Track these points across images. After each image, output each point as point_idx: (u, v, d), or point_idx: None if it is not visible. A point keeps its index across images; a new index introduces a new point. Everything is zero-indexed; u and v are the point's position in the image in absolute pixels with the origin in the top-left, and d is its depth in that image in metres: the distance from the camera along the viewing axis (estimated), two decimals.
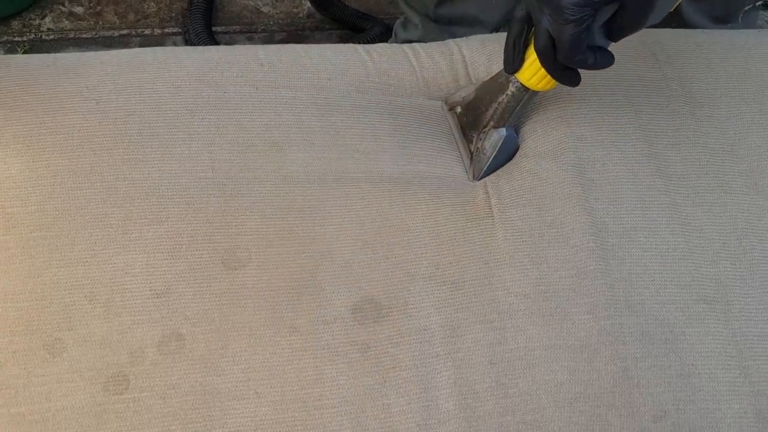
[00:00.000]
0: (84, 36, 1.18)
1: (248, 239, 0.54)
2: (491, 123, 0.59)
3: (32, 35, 1.17)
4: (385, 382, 0.50)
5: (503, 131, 0.58)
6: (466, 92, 0.62)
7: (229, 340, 0.51)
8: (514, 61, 0.54)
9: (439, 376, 0.50)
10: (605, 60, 0.51)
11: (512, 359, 0.51)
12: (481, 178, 0.59)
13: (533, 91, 0.56)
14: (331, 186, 0.57)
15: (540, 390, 0.50)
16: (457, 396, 0.50)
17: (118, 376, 0.49)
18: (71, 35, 1.18)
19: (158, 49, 0.62)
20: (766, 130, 0.62)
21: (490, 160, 0.59)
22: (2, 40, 1.16)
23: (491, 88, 0.59)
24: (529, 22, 0.52)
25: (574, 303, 0.53)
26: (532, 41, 0.52)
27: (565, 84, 0.53)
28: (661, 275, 0.55)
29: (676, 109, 0.62)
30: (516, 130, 0.60)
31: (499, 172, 0.59)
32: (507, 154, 0.59)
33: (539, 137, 0.60)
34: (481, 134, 0.59)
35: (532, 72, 0.54)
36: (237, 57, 0.62)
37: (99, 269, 0.51)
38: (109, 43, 1.17)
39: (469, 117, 0.61)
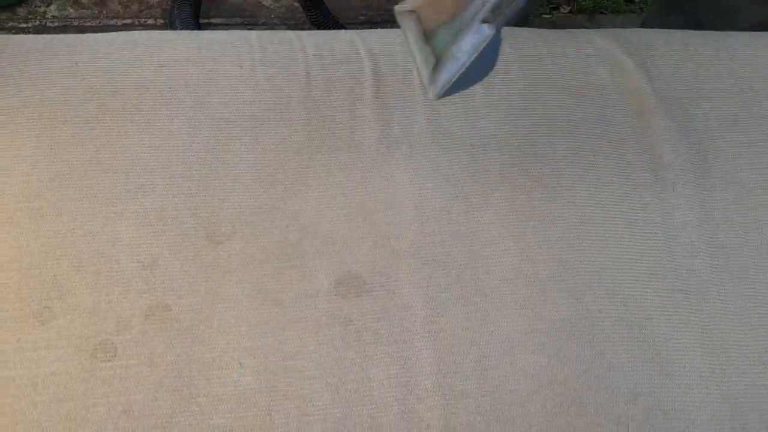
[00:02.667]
0: (88, 24, 1.19)
1: (231, 213, 0.55)
2: (478, 15, 0.43)
3: (37, 22, 1.19)
4: (366, 356, 0.51)
5: (485, 29, 0.43)
6: None
7: (214, 312, 0.52)
8: None
9: (419, 354, 0.52)
10: None
11: (493, 341, 0.52)
12: (445, 95, 0.45)
13: None
14: (311, 157, 0.58)
15: (518, 372, 0.51)
16: (436, 374, 0.51)
17: (105, 343, 0.50)
18: (75, 23, 1.19)
19: (153, 32, 0.64)
20: (746, 129, 0.63)
21: (464, 67, 0.43)
22: (8, 26, 1.18)
23: None
24: None
25: (555, 289, 0.54)
26: None
27: None
28: (639, 265, 0.56)
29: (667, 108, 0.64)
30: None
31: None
32: (485, 66, 0.45)
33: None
34: (455, 30, 0.43)
35: None
36: (229, 39, 0.63)
37: (86, 240, 0.52)
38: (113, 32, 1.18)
39: (434, 9, 0.44)
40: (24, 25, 1.19)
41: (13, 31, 1.18)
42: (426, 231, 0.56)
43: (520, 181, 0.59)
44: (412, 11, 0.45)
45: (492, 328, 0.53)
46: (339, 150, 0.58)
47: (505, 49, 0.64)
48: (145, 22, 1.20)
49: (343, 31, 0.66)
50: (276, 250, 0.54)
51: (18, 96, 0.57)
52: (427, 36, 0.45)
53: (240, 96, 0.60)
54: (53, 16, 1.19)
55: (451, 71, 0.43)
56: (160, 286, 0.52)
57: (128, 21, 1.20)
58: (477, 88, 0.62)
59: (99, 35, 0.63)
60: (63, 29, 1.19)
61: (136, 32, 0.63)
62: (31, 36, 0.62)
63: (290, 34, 0.65)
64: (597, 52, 0.67)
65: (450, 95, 0.45)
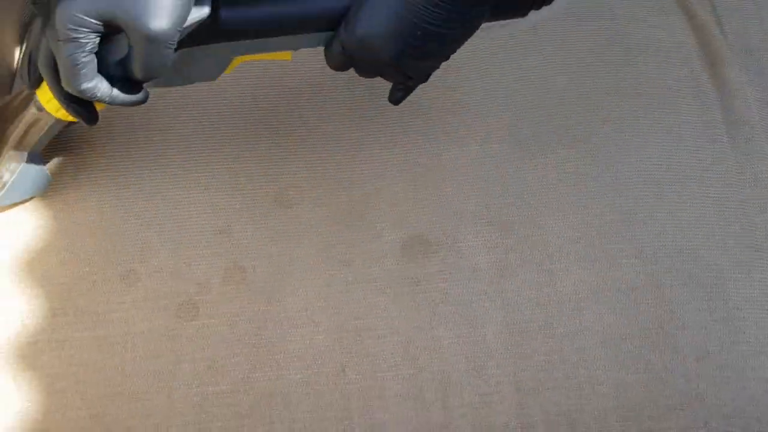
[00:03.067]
0: None
1: (298, 178, 0.57)
2: (10, 144, 0.50)
3: None
4: (435, 315, 0.53)
5: (24, 157, 0.49)
6: (5, 99, 0.52)
7: (286, 273, 0.54)
8: (29, 77, 0.44)
9: (487, 313, 0.53)
10: (125, 93, 0.41)
11: (560, 301, 0.53)
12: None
13: (56, 117, 0.46)
14: (375, 123, 0.58)
15: (586, 331, 0.52)
16: (504, 333, 0.52)
17: (188, 304, 0.53)
18: None
19: None
20: None
21: (6, 188, 0.50)
22: None
23: (19, 100, 0.50)
24: None
25: (622, 248, 0.54)
26: None
27: (76, 117, 0.44)
28: (710, 222, 0.55)
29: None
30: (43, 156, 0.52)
31: None
32: (30, 186, 0.51)
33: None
34: (1, 155, 0.50)
35: (50, 95, 0.44)
36: None
37: (165, 206, 0.55)
38: None
39: None
40: None
41: None
42: (490, 193, 0.56)
43: (585, 140, 0.58)
44: None
45: (558, 288, 0.53)
46: (402, 114, 0.58)
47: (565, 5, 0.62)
48: None
49: None
50: (342, 213, 0.56)
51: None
52: None
53: (300, 66, 0.60)
54: None
55: None
56: (235, 249, 0.54)
57: None
58: (542, 45, 0.61)
59: None
60: None
61: None
62: None
63: None
64: (663, 5, 0.64)
65: (8, 205, 0.52)
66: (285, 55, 0.45)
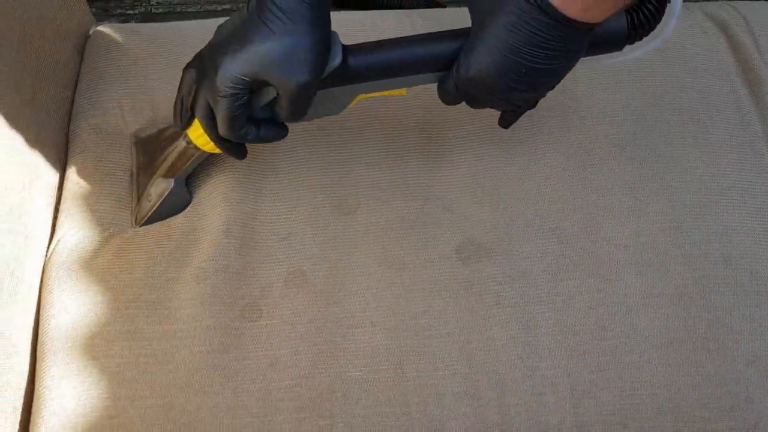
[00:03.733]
0: (189, 10, 1.26)
1: (356, 186, 0.60)
2: (160, 171, 0.57)
3: (143, 8, 1.26)
4: (489, 317, 0.55)
5: (171, 182, 0.56)
6: (150, 131, 0.60)
7: (345, 276, 0.56)
8: (181, 119, 0.51)
9: (540, 316, 0.55)
10: (270, 134, 0.49)
11: (611, 305, 0.55)
12: (142, 225, 0.57)
13: (203, 150, 0.53)
14: (433, 132, 0.61)
15: (637, 334, 0.54)
16: (557, 335, 0.54)
17: (252, 305, 0.55)
18: (178, 9, 1.26)
19: None
20: None
21: (153, 209, 0.57)
22: (116, 13, 1.26)
23: (166, 135, 0.57)
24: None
25: (671, 255, 0.56)
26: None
27: (228, 155, 0.52)
28: (755, 231, 0.57)
29: None
30: (189, 182, 0.58)
31: None
32: (173, 207, 0.58)
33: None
34: (151, 179, 0.57)
35: (199, 132, 0.51)
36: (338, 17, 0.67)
37: (233, 212, 0.58)
38: (212, 17, 1.24)
39: (145, 158, 0.59)
40: (131, 12, 1.26)
41: (122, 18, 1.26)
42: (544, 200, 0.59)
43: (634, 151, 0.60)
44: (135, 144, 0.60)
45: (609, 293, 0.55)
46: (456, 122, 0.61)
47: None
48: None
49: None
50: (398, 219, 0.58)
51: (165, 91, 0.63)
52: (139, 169, 0.59)
53: None
54: (157, 3, 1.27)
55: (145, 208, 0.57)
56: (296, 254, 0.57)
57: (227, 6, 1.25)
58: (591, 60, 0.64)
59: (207, 22, 0.68)
60: (167, 15, 1.26)
61: None
62: (153, 25, 0.68)
63: (400, 14, 0.69)
64: (704, 22, 0.67)
65: (149, 224, 0.57)
66: (401, 91, 0.51)
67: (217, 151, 0.53)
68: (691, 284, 0.55)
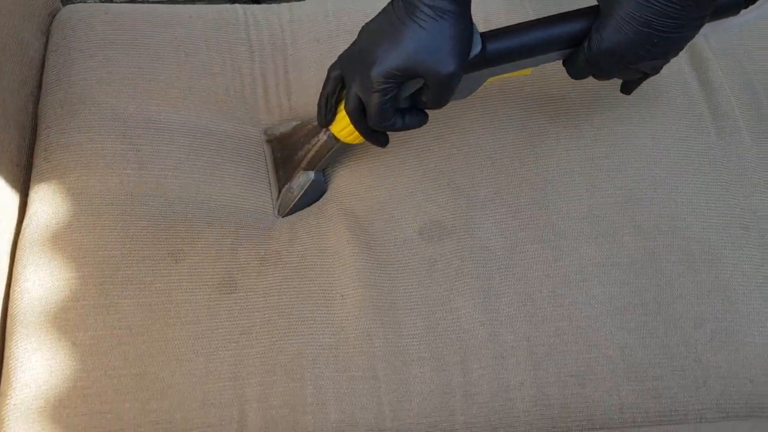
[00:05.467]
0: None
1: (335, 182, 0.62)
2: (301, 164, 0.61)
3: None
4: (452, 289, 0.57)
5: (311, 175, 0.61)
6: (285, 128, 0.64)
7: (317, 256, 0.59)
8: (326, 116, 0.57)
9: (500, 285, 0.57)
10: (414, 121, 0.54)
11: (567, 274, 0.58)
12: (285, 216, 0.62)
13: (344, 142, 0.58)
14: None
15: (592, 300, 0.57)
16: (517, 303, 0.56)
17: (228, 280, 0.57)
18: None
19: (240, 7, 0.70)
20: None
21: (296, 200, 0.61)
22: None
23: (305, 130, 0.61)
24: (342, 81, 0.54)
25: (624, 226, 0.59)
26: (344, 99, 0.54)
27: (373, 144, 0.57)
28: (703, 204, 0.60)
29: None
30: (325, 173, 0.63)
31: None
32: (313, 196, 0.62)
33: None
34: (291, 173, 0.62)
35: (343, 126, 0.56)
36: (306, 14, 0.70)
37: (218, 207, 0.60)
38: (180, 2, 1.24)
39: (283, 153, 0.63)
40: None
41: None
42: (500, 180, 0.62)
43: (587, 130, 0.64)
44: (269, 141, 0.65)
45: (565, 262, 0.58)
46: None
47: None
48: None
49: None
50: (365, 207, 0.61)
51: (133, 67, 0.64)
52: (277, 164, 0.64)
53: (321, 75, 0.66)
54: None
55: (288, 200, 0.62)
56: (274, 240, 0.59)
57: None
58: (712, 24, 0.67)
59: (189, 7, 0.69)
60: None
61: (226, 6, 0.70)
62: (130, 5, 0.69)
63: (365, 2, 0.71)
64: None
65: (292, 214, 0.62)
66: (526, 71, 0.55)
67: (358, 141, 0.57)
68: (642, 253, 0.58)
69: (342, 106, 0.55)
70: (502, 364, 0.54)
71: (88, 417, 0.51)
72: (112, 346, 0.53)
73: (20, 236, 0.58)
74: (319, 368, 0.54)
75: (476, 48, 0.51)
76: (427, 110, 0.54)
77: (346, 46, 0.54)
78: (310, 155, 0.61)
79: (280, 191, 0.62)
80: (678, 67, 0.67)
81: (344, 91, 0.54)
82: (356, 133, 0.56)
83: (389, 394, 0.53)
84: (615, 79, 0.56)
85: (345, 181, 0.63)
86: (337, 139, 0.58)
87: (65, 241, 0.56)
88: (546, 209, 0.60)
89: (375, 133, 0.56)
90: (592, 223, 0.59)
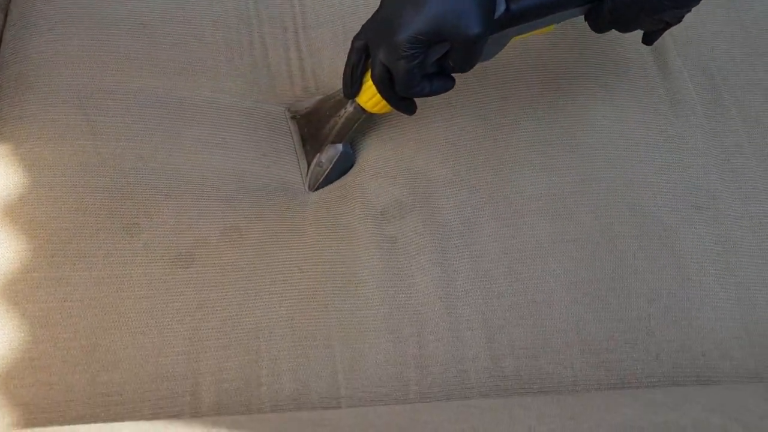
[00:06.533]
0: None
1: (296, 176, 0.63)
2: (329, 138, 0.61)
3: None
4: (411, 265, 0.57)
5: (339, 147, 0.61)
6: (309, 103, 0.65)
7: (278, 233, 0.59)
8: (351, 87, 0.57)
9: (457, 262, 0.57)
10: (442, 86, 0.53)
11: (523, 250, 0.58)
12: (316, 190, 0.63)
13: (370, 112, 0.58)
14: None
15: (548, 275, 0.57)
16: (473, 279, 0.57)
17: (185, 254, 0.56)
18: None
19: None
20: (753, 67, 0.68)
21: (326, 173, 0.62)
22: None
23: (331, 104, 0.62)
24: (366, 51, 0.54)
25: (580, 204, 0.60)
26: (370, 68, 0.54)
27: (401, 112, 0.57)
28: (658, 184, 0.61)
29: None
30: (353, 145, 0.63)
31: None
32: (342, 169, 0.63)
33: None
34: (319, 147, 0.62)
35: (369, 96, 0.57)
36: None
37: (176, 177, 0.59)
38: None
39: (310, 129, 0.64)
40: None
41: None
42: (460, 162, 0.62)
43: (545, 111, 0.64)
44: (293, 118, 0.66)
45: (522, 239, 0.58)
46: None
47: None
48: None
49: None
50: (328, 189, 0.62)
51: (90, 38, 0.63)
52: (304, 140, 0.65)
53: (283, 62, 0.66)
54: None
55: (318, 174, 0.62)
56: (235, 215, 0.59)
57: None
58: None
59: None
60: None
61: None
62: None
63: None
64: None
65: (322, 188, 0.63)
66: (549, 28, 0.55)
67: (385, 111, 0.57)
68: (598, 230, 0.59)
69: (368, 77, 0.55)
70: (458, 336, 0.54)
71: (36, 388, 0.50)
72: (62, 318, 0.52)
73: None
74: (276, 341, 0.53)
75: (500, 7, 0.50)
76: (453, 74, 0.54)
77: (366, 18, 0.54)
78: (337, 128, 0.61)
79: (308, 165, 0.63)
80: (637, 51, 0.68)
81: (369, 61, 0.54)
82: (383, 102, 0.56)
83: (344, 362, 0.53)
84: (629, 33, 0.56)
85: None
86: (363, 110, 0.58)
87: (17, 213, 0.56)
88: (504, 188, 0.61)
89: (402, 101, 0.55)
90: (548, 201, 0.60)
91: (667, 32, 0.69)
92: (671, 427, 0.28)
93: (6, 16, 0.67)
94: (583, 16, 0.55)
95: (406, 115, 0.58)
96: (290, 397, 0.52)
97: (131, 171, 0.58)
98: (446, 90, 0.54)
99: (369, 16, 0.54)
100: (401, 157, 0.63)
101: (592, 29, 0.55)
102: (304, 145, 0.64)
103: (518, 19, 0.52)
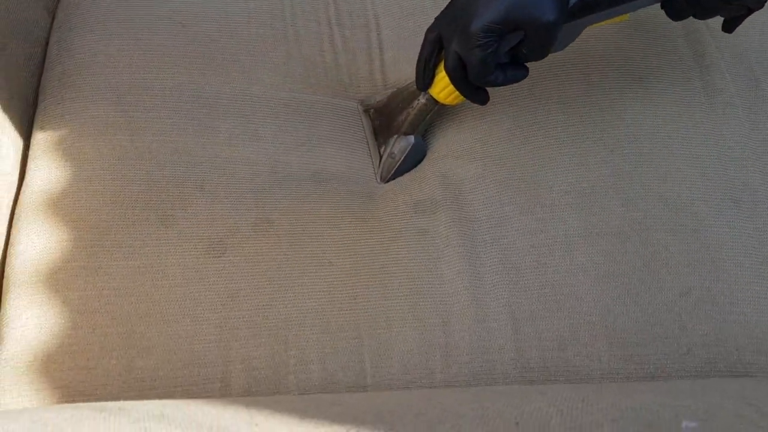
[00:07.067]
0: None
1: (331, 163, 0.64)
2: (402, 129, 0.62)
3: None
4: (440, 258, 0.58)
5: (411, 138, 0.62)
6: (381, 97, 0.66)
7: (309, 225, 0.59)
8: (424, 79, 0.58)
9: (485, 254, 0.58)
10: (515, 75, 0.54)
11: (552, 244, 0.58)
12: (388, 181, 0.63)
13: (443, 103, 0.59)
14: None
15: (576, 269, 0.57)
16: (501, 272, 0.57)
17: (218, 244, 0.58)
18: None
19: None
20: None
21: (398, 164, 0.63)
22: None
23: (403, 96, 0.63)
24: (439, 43, 0.55)
25: (611, 198, 0.59)
26: (443, 59, 0.55)
27: (474, 102, 0.57)
28: (693, 177, 0.60)
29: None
30: (424, 136, 0.64)
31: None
32: (414, 160, 0.63)
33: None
34: (392, 139, 0.63)
35: (442, 87, 0.57)
36: None
37: (210, 169, 0.61)
38: None
39: (382, 121, 0.65)
40: None
41: None
42: (491, 158, 0.62)
43: (577, 107, 0.64)
44: (366, 111, 0.67)
45: (552, 233, 0.58)
46: None
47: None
48: None
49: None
50: (366, 186, 0.63)
51: (130, 38, 0.65)
52: (375, 132, 0.66)
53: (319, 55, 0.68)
54: None
55: (391, 165, 0.63)
56: (267, 205, 0.60)
57: None
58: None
59: None
60: None
61: None
62: None
63: None
64: None
65: (394, 179, 0.63)
66: (624, 17, 0.55)
67: (458, 101, 0.58)
68: (629, 224, 0.58)
69: (440, 68, 0.56)
70: (484, 327, 0.54)
71: (74, 372, 0.52)
72: (100, 305, 0.54)
73: (17, 202, 0.59)
74: (305, 331, 0.54)
75: None
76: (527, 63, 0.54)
77: (433, 14, 0.55)
78: (409, 120, 0.62)
79: (381, 159, 0.64)
80: (672, 42, 0.67)
81: (442, 53, 0.55)
82: (455, 93, 0.57)
83: (371, 352, 0.53)
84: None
85: (338, 155, 0.64)
86: (435, 102, 0.59)
87: (58, 206, 0.58)
88: (534, 183, 0.60)
89: (476, 91, 0.56)
90: (578, 195, 0.59)
91: (703, 22, 0.68)
92: (683, 411, 0.28)
93: (53, 19, 0.70)
94: (659, 4, 0.54)
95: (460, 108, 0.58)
96: (318, 386, 0.53)
97: (167, 164, 0.60)
98: (520, 79, 0.54)
99: (436, 11, 0.54)
100: (432, 157, 0.64)
101: (669, 16, 0.54)
102: (376, 137, 0.66)
103: (592, 8, 0.52)
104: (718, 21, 0.68)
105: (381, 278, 0.57)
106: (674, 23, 0.68)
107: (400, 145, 0.63)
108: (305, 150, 0.64)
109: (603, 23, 0.54)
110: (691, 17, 0.56)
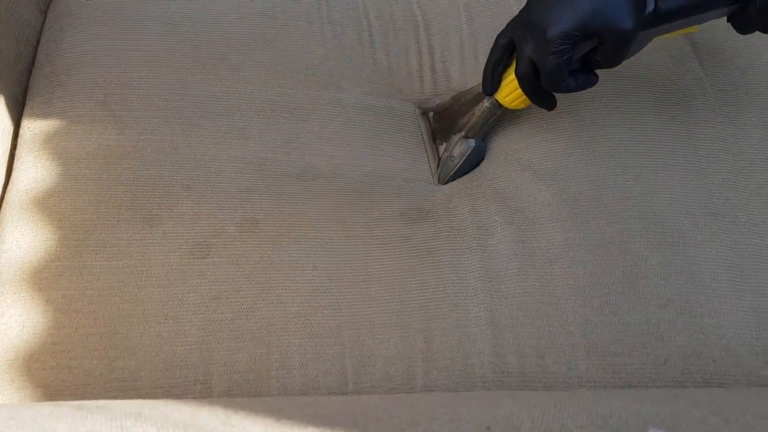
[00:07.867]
0: None
1: (319, 160, 0.64)
2: (462, 132, 0.63)
3: None
4: (423, 264, 0.58)
5: (472, 142, 0.63)
6: (442, 99, 0.67)
7: (295, 227, 0.60)
8: (492, 84, 0.59)
9: (469, 262, 0.58)
10: (587, 82, 0.54)
11: (533, 254, 0.58)
12: (446, 183, 0.64)
13: (507, 108, 0.60)
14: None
15: (557, 279, 0.57)
16: (483, 278, 0.57)
17: (201, 244, 0.58)
18: None
19: None
20: None
21: (457, 167, 0.63)
22: None
23: (466, 100, 0.63)
24: (510, 48, 0.56)
25: (592, 210, 0.60)
26: (512, 64, 0.56)
27: (542, 107, 0.58)
28: (674, 190, 0.61)
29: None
30: (483, 139, 0.65)
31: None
32: (473, 163, 0.64)
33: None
34: (451, 142, 0.64)
35: (508, 92, 0.58)
36: None
37: (195, 168, 0.61)
38: None
39: (442, 124, 0.66)
40: None
41: None
42: (475, 174, 0.64)
43: (557, 121, 0.65)
44: (424, 114, 0.68)
45: (534, 244, 0.59)
46: None
47: None
48: None
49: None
50: (351, 188, 0.63)
51: (119, 38, 0.66)
52: (434, 135, 0.66)
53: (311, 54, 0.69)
54: None
55: (450, 168, 0.64)
56: (252, 206, 0.60)
57: None
58: None
59: None
60: None
61: None
62: None
63: None
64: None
65: (453, 181, 0.64)
66: (693, 28, 0.55)
67: (522, 106, 0.59)
68: (610, 236, 0.59)
69: (508, 73, 0.57)
70: (464, 332, 0.55)
71: (56, 371, 0.52)
72: (83, 305, 0.55)
73: (3, 201, 0.59)
74: (287, 336, 0.54)
75: (650, 6, 0.51)
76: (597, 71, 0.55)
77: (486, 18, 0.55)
78: (471, 123, 0.62)
79: (439, 161, 0.65)
80: (655, 57, 0.68)
81: (511, 58, 0.56)
82: (522, 98, 0.57)
83: (353, 359, 0.54)
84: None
85: (327, 157, 0.64)
86: (500, 106, 0.60)
87: (43, 205, 0.58)
88: (517, 196, 0.61)
89: (545, 96, 0.56)
90: (560, 207, 0.60)
91: (687, 39, 0.69)
92: (651, 418, 0.28)
93: (45, 18, 0.70)
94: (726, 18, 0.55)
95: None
96: (299, 390, 0.53)
97: (153, 163, 0.60)
98: (590, 86, 0.55)
99: (490, 16, 0.55)
100: (414, 168, 0.65)
101: (736, 30, 0.54)
102: (434, 140, 0.66)
103: (665, 19, 0.52)
104: (704, 36, 0.70)
105: (364, 285, 0.57)
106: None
107: (461, 148, 0.63)
108: (293, 147, 0.64)
109: (672, 34, 0.55)
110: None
